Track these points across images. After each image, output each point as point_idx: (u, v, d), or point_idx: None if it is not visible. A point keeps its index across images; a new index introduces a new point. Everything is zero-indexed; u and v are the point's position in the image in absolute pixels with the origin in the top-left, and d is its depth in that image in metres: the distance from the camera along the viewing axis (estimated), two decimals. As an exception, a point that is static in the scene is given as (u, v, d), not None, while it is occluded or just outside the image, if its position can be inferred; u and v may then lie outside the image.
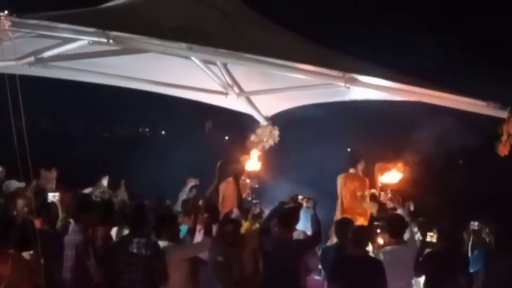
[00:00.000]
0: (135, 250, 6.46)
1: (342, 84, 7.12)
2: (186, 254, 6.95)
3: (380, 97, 8.38)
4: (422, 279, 7.76)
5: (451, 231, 7.77)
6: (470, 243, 8.85)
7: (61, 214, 7.92)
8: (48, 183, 10.08)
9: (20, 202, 8.56)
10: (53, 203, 8.05)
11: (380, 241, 7.88)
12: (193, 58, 8.28)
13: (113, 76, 9.32)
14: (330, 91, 8.84)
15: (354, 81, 7.08)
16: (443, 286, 7.27)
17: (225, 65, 9.11)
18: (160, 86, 9.86)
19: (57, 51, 7.16)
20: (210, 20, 7.08)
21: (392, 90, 7.44)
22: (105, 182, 11.13)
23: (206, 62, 8.73)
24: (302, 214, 7.95)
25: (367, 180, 10.13)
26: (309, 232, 8.16)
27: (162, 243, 6.68)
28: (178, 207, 9.23)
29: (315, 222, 7.67)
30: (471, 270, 7.89)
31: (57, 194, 8.59)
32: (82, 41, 6.45)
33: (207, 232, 7.12)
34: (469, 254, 8.56)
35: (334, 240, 8.70)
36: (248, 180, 10.25)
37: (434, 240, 8.49)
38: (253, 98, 10.43)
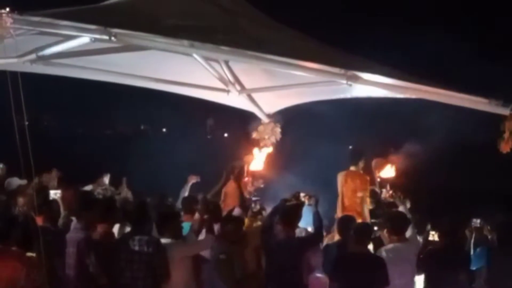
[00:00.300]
0: (136, 248, 6.47)
1: (344, 81, 7.12)
2: (189, 251, 6.95)
3: (382, 94, 8.37)
4: (421, 277, 7.74)
5: (452, 228, 7.76)
6: (472, 241, 8.85)
7: (63, 212, 7.92)
8: (50, 181, 10.08)
9: (22, 200, 8.56)
10: (54, 200, 8.05)
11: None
12: (194, 55, 8.27)
13: (115, 73, 9.32)
14: (332, 89, 8.84)
15: (356, 79, 7.08)
16: (444, 284, 7.26)
17: (226, 62, 9.11)
18: (161, 83, 9.87)
19: (59, 48, 7.17)
20: (211, 17, 7.08)
21: (393, 88, 7.44)
22: (106, 179, 11.13)
23: (207, 59, 8.72)
24: (304, 212, 7.94)
25: (368, 178, 10.12)
26: (311, 230, 8.16)
27: (164, 240, 6.68)
28: (179, 204, 9.23)
29: (317, 220, 7.67)
30: (474, 268, 7.88)
31: (58, 191, 8.58)
32: (84, 38, 6.45)
33: (209, 229, 7.13)
34: (472, 251, 8.56)
35: (335, 237, 8.71)
36: (250, 179, 10.24)
37: (435, 238, 8.48)
38: (255, 96, 10.43)
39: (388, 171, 9.92)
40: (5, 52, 6.36)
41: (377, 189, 9.94)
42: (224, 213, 8.17)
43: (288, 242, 7.31)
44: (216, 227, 7.35)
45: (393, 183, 9.79)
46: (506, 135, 6.54)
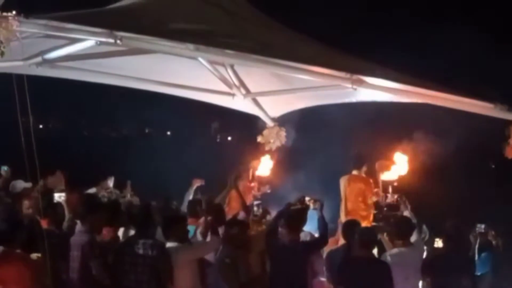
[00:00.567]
0: (141, 251, 6.47)
1: (349, 85, 7.11)
2: (195, 255, 6.95)
3: (387, 98, 8.36)
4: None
5: (456, 233, 7.74)
6: (477, 246, 8.83)
7: (67, 215, 7.92)
8: (57, 184, 10.07)
9: (27, 203, 8.56)
10: (59, 203, 8.06)
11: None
12: (200, 59, 8.28)
13: (120, 76, 9.32)
14: (337, 93, 8.82)
15: (361, 83, 7.07)
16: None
17: (232, 66, 9.11)
18: (166, 86, 9.87)
19: (65, 51, 7.16)
20: (217, 20, 7.08)
21: (398, 92, 7.43)
22: (110, 182, 11.12)
23: (213, 63, 8.73)
24: (309, 216, 7.93)
25: (371, 181, 10.11)
26: (316, 234, 8.15)
27: (171, 244, 6.69)
28: (184, 208, 9.22)
29: (322, 224, 7.67)
30: (478, 273, 7.87)
31: (63, 194, 8.57)
32: (90, 41, 6.45)
33: (214, 231, 7.12)
34: (476, 256, 8.54)
35: (339, 241, 8.70)
36: (256, 184, 10.23)
37: (440, 245, 8.47)
38: (260, 99, 10.42)
39: (392, 174, 9.92)
40: (11, 54, 6.37)
41: (381, 192, 9.92)
42: (229, 217, 8.18)
43: (292, 246, 7.31)
44: (220, 230, 7.35)
45: (396, 186, 9.78)
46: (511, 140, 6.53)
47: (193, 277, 6.79)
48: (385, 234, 7.88)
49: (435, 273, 7.36)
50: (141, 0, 7.15)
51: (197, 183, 9.82)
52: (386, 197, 9.33)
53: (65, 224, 7.71)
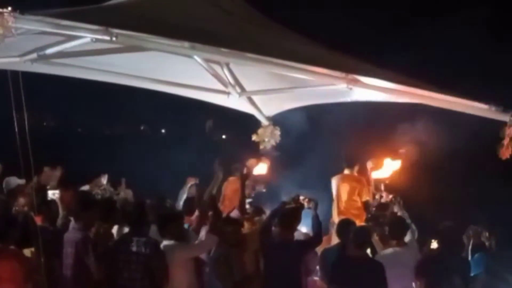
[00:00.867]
0: (135, 249, 6.48)
1: (345, 85, 7.12)
2: (191, 253, 6.96)
3: (383, 98, 8.37)
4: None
5: (449, 234, 7.76)
6: (470, 247, 8.85)
7: (61, 212, 7.92)
8: (50, 181, 10.05)
9: (21, 199, 8.54)
10: (53, 200, 8.05)
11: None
12: (195, 57, 8.27)
13: (115, 74, 9.31)
14: (332, 92, 8.82)
15: (357, 82, 7.08)
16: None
17: (227, 65, 9.11)
18: (162, 84, 9.86)
19: (60, 48, 7.15)
20: (213, 19, 7.07)
21: (394, 92, 7.43)
22: (104, 180, 11.10)
23: (208, 61, 8.72)
24: (303, 215, 7.94)
25: (363, 179, 10.13)
26: (310, 233, 8.16)
27: (167, 242, 6.69)
28: (179, 206, 9.22)
29: (316, 223, 7.67)
30: (471, 274, 7.88)
31: (57, 191, 8.57)
32: (85, 38, 6.44)
33: (212, 229, 7.12)
34: (469, 257, 8.56)
35: (332, 240, 8.72)
36: (251, 183, 10.22)
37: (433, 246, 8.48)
38: (255, 98, 10.43)
39: (383, 172, 9.94)
40: (6, 51, 6.36)
41: (374, 191, 9.94)
42: (224, 211, 8.18)
43: (286, 245, 7.32)
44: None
45: (388, 185, 9.81)
46: (506, 141, 6.54)
47: (190, 275, 6.80)
48: (375, 234, 7.89)
49: (428, 274, 7.38)
50: (137, -2, 7.15)
51: (191, 181, 9.82)
52: (381, 197, 9.34)
53: (59, 221, 7.71)
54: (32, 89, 6.43)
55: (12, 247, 5.94)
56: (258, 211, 8.76)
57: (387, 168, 9.84)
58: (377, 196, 9.67)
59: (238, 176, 9.18)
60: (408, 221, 7.81)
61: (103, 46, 7.43)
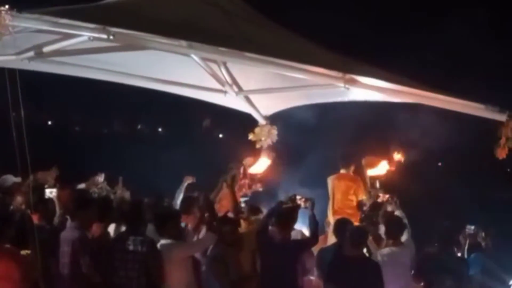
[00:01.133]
0: (131, 247, 6.48)
1: (342, 84, 7.12)
2: (189, 251, 6.95)
3: (379, 98, 8.38)
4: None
5: (446, 234, 7.77)
6: (466, 247, 8.86)
7: (58, 211, 7.90)
8: (47, 179, 10.02)
9: (18, 198, 8.52)
10: (50, 199, 8.04)
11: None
12: (192, 55, 8.27)
13: (112, 72, 9.31)
14: (329, 92, 8.84)
15: (354, 82, 7.09)
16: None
17: (224, 64, 9.11)
18: (159, 83, 9.86)
19: (57, 46, 7.15)
20: (210, 18, 7.07)
21: (391, 92, 7.44)
22: (100, 178, 11.08)
23: (205, 60, 8.72)
24: (300, 214, 7.94)
25: (359, 178, 10.13)
26: (306, 232, 8.16)
27: (165, 241, 6.68)
28: (176, 205, 9.21)
29: (313, 223, 7.67)
30: (468, 274, 7.89)
31: (54, 190, 8.55)
32: (82, 37, 6.44)
33: (210, 227, 7.12)
34: (466, 257, 8.57)
35: (328, 239, 8.72)
36: (247, 182, 10.22)
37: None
38: (252, 97, 10.43)
39: (378, 170, 9.94)
40: (3, 49, 6.35)
41: (370, 190, 9.94)
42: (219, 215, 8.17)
43: (283, 244, 7.32)
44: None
45: (383, 183, 9.81)
46: (503, 141, 6.55)
47: (187, 274, 6.79)
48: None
49: (425, 274, 7.39)
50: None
51: (188, 180, 9.81)
52: (378, 196, 9.34)
53: (56, 220, 7.70)
54: (29, 88, 6.41)
55: (8, 245, 5.92)
56: (255, 210, 8.75)
57: (382, 166, 9.84)
58: (372, 194, 9.67)
59: (228, 183, 9.19)
60: (405, 220, 7.82)
61: (101, 45, 7.44)
